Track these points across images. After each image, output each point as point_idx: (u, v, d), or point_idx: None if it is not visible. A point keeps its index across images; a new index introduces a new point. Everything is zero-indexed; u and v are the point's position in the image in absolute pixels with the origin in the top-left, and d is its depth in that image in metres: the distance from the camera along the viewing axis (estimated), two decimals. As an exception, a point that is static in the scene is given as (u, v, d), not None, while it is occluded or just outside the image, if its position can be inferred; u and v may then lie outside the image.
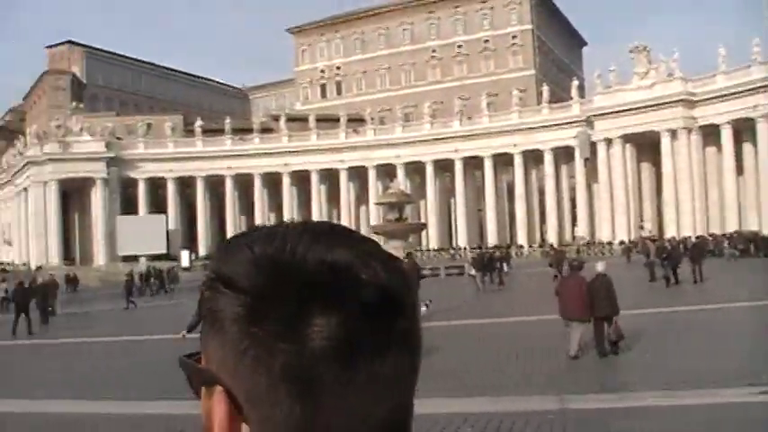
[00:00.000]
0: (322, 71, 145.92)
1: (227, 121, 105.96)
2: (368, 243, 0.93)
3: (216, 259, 0.93)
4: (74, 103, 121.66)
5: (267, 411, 0.85)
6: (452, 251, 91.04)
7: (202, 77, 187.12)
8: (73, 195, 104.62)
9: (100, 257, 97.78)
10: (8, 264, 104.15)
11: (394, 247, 55.18)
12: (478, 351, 19.12)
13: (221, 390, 0.88)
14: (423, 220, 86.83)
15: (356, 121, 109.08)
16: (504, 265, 47.93)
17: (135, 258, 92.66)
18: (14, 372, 20.74)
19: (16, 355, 25.46)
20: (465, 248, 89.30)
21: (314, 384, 0.83)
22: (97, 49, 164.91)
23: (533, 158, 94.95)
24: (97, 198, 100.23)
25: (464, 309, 30.47)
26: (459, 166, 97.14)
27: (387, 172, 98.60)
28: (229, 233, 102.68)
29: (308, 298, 0.84)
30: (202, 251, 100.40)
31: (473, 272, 42.79)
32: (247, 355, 0.85)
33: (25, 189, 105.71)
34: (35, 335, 30.08)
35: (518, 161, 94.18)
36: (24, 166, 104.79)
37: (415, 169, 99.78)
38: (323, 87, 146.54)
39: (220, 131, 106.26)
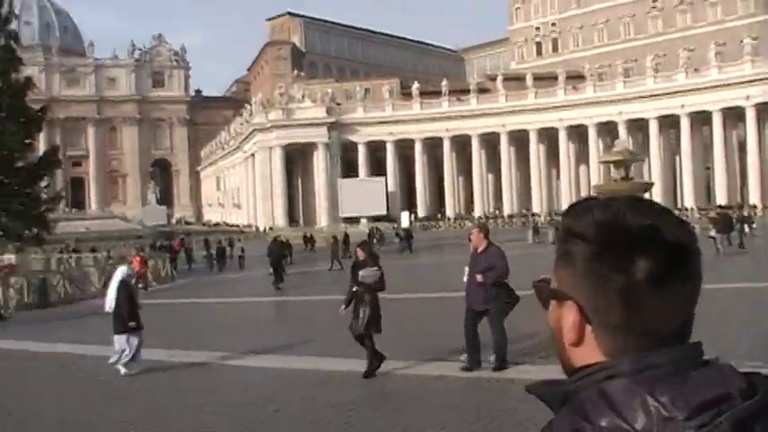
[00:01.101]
0: (537, 28, 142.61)
1: (444, 82, 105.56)
2: (667, 212, 1.32)
3: (568, 220, 1.33)
4: (295, 72, 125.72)
5: (605, 318, 1.27)
6: (677, 211, 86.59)
7: (416, 41, 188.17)
8: (296, 159, 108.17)
9: (322, 219, 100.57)
10: (245, 226, 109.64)
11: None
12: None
13: (572, 303, 1.29)
14: (648, 179, 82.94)
15: (574, 79, 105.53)
16: (746, 226, 44.61)
17: (356, 220, 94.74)
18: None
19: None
20: (692, 208, 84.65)
21: (636, 301, 1.23)
22: (314, 19, 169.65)
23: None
24: (319, 162, 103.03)
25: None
26: (684, 122, 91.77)
27: (607, 130, 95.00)
28: (447, 194, 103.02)
29: (632, 247, 1.24)
30: (421, 212, 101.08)
31: (713, 233, 39.83)
32: (592, 281, 1.26)
33: (252, 155, 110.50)
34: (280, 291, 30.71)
35: (750, 115, 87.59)
36: (251, 133, 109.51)
37: (638, 126, 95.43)
38: (538, 45, 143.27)
39: (437, 93, 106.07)
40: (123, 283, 13.71)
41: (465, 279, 12.04)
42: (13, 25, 45.96)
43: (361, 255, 12.69)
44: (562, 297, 1.31)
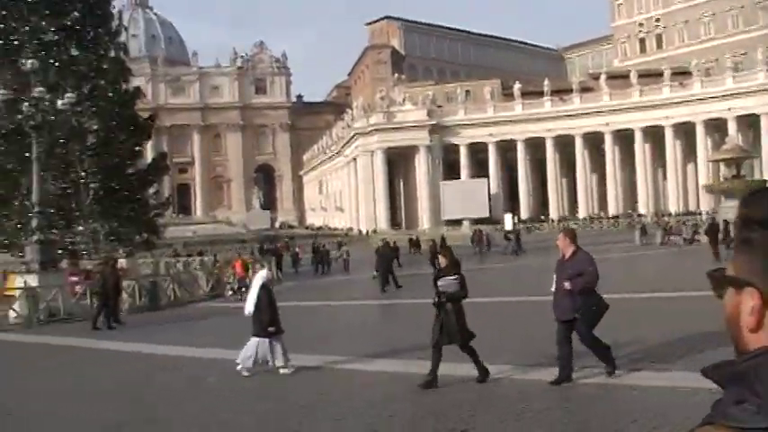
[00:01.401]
0: (640, 24, 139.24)
1: (546, 82, 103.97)
2: None
3: (746, 208, 1.32)
4: (395, 75, 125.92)
5: None
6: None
7: (516, 41, 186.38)
8: (397, 162, 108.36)
9: (424, 222, 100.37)
10: (347, 229, 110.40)
11: (731, 206, 50.81)
12: None
13: (752, 290, 1.29)
14: (760, 177, 79.82)
15: (680, 75, 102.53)
16: None
17: (458, 222, 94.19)
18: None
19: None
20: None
21: None
22: (413, 22, 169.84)
23: None
24: (421, 164, 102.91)
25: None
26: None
27: (716, 127, 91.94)
28: (551, 195, 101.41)
29: None
30: (524, 214, 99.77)
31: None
32: None
33: (354, 159, 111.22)
34: (386, 293, 30.57)
35: None
36: (352, 137, 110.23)
37: (749, 123, 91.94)
38: (642, 41, 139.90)
39: (538, 94, 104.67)
40: (264, 288, 13.66)
41: (553, 288, 11.39)
42: (122, 38, 47.20)
43: (443, 261, 12.13)
44: (741, 284, 1.31)
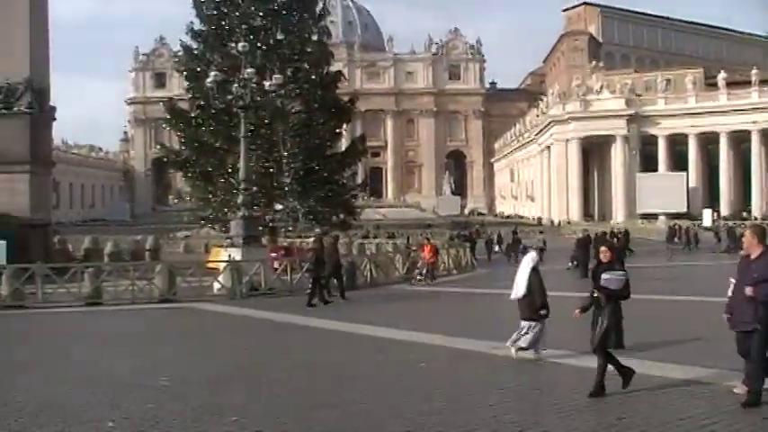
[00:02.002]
0: None
1: (754, 71, 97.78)
2: None
3: None
4: (592, 63, 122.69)
5: None
6: None
7: (721, 27, 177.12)
8: (592, 152, 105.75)
9: (618, 215, 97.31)
10: (537, 218, 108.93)
11: None
12: None
13: None
14: None
15: None
16: None
17: (654, 216, 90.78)
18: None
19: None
20: None
21: None
22: (611, 8, 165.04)
23: None
24: (617, 155, 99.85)
25: None
26: None
27: None
28: (754, 192, 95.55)
29: None
30: (724, 210, 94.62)
31: None
32: None
33: (548, 147, 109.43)
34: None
35: None
36: (547, 125, 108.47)
37: None
38: None
39: (745, 83, 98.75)
40: (534, 270, 13.40)
41: (729, 293, 10.04)
42: (325, 22, 48.21)
43: (606, 256, 10.95)
44: None
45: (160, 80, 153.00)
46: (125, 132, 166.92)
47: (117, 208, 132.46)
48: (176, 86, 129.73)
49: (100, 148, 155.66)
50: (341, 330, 18.29)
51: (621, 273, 10.73)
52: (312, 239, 29.70)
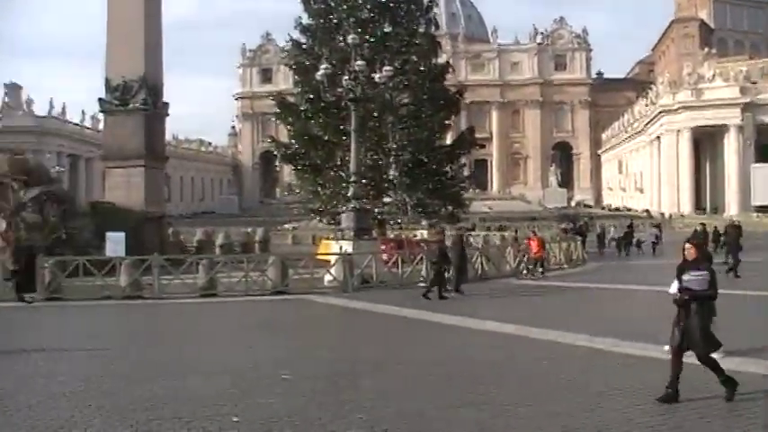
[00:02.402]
0: None
1: None
2: None
3: None
4: (704, 50, 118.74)
5: None
6: None
7: None
8: (704, 143, 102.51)
9: (731, 207, 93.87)
10: (644, 211, 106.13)
11: None
12: None
13: None
14: None
15: None
16: None
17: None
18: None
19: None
20: None
21: None
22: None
23: None
24: (730, 145, 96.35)
25: None
26: None
27: None
28: None
29: None
30: None
31: None
32: None
33: (657, 137, 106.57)
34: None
35: None
36: (657, 115, 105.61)
37: None
38: None
39: None
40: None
41: None
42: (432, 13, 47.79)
43: (691, 253, 10.22)
44: None
45: (266, 75, 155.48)
46: (233, 127, 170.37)
47: (226, 201, 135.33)
48: (282, 81, 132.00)
49: (209, 143, 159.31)
50: (460, 326, 17.78)
51: (704, 272, 10.03)
52: (434, 232, 29.50)
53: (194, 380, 11.72)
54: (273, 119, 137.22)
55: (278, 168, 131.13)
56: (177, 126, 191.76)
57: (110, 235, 28.23)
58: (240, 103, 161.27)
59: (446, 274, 24.20)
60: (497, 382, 11.36)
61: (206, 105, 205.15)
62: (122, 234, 28.52)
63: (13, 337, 17.06)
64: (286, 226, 76.27)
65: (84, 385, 11.44)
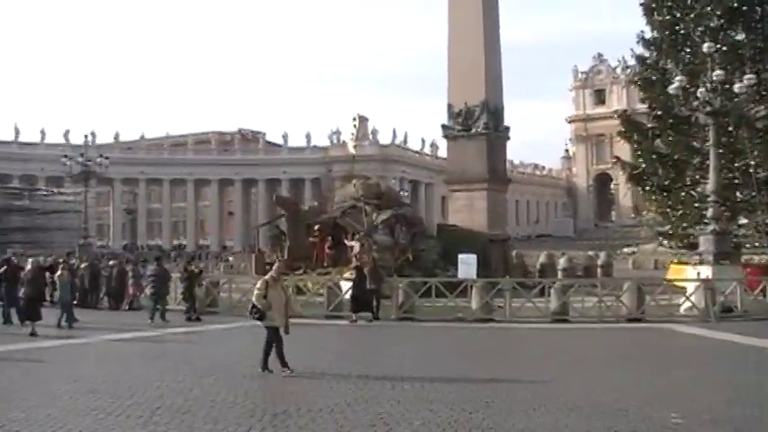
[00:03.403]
0: None
1: None
2: None
3: None
4: None
5: None
6: None
7: None
8: None
9: None
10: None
11: None
12: None
13: None
14: None
15: None
16: None
17: None
18: None
19: None
20: None
21: None
22: None
23: None
24: None
25: None
26: None
27: None
28: None
29: None
30: None
31: None
32: None
33: None
34: None
35: None
36: None
37: None
38: None
39: None
40: None
41: None
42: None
43: None
44: None
45: (599, 97, 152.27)
46: (566, 150, 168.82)
47: (561, 224, 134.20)
48: (616, 102, 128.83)
49: (543, 167, 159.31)
50: None
51: None
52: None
53: (552, 417, 10.68)
54: (607, 140, 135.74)
55: (612, 191, 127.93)
56: (511, 151, 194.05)
57: (462, 257, 28.29)
58: (573, 126, 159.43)
59: None
60: None
61: (535, 129, 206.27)
62: (474, 256, 28.49)
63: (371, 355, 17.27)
64: (625, 250, 73.71)
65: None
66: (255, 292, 14.86)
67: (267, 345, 14.52)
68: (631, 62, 51.41)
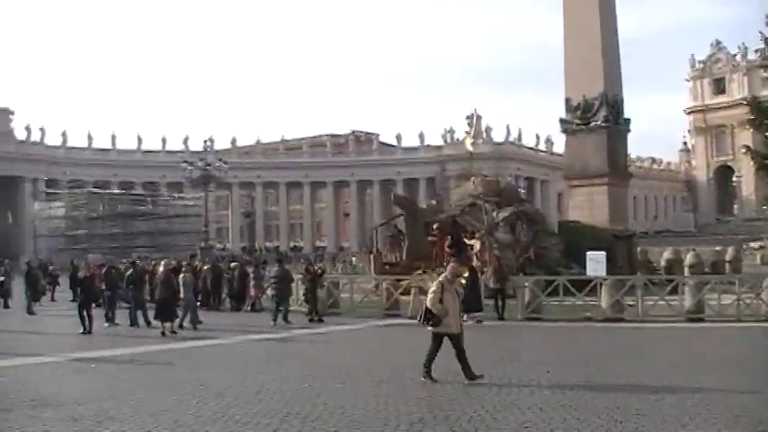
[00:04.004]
0: None
1: None
2: None
3: None
4: None
5: None
6: None
7: None
8: None
9: None
10: None
11: None
12: None
13: None
14: None
15: None
16: None
17: None
18: None
19: None
20: None
21: None
22: None
23: None
24: None
25: None
26: None
27: None
28: None
29: None
30: None
31: None
32: None
33: None
34: None
35: None
36: None
37: None
38: None
39: None
40: None
41: None
42: None
43: None
44: None
45: (718, 86, 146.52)
46: (684, 143, 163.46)
47: (681, 218, 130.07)
48: (736, 90, 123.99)
49: (660, 160, 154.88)
50: None
51: None
52: None
53: (711, 430, 9.80)
54: (728, 131, 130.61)
55: (734, 183, 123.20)
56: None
57: (591, 254, 27.24)
58: (692, 117, 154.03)
59: None
60: None
61: (651, 121, 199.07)
62: (603, 253, 27.36)
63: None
64: (752, 244, 70.50)
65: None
66: (430, 295, 13.53)
67: (432, 352, 13.38)
68: (753, 47, 49.01)
